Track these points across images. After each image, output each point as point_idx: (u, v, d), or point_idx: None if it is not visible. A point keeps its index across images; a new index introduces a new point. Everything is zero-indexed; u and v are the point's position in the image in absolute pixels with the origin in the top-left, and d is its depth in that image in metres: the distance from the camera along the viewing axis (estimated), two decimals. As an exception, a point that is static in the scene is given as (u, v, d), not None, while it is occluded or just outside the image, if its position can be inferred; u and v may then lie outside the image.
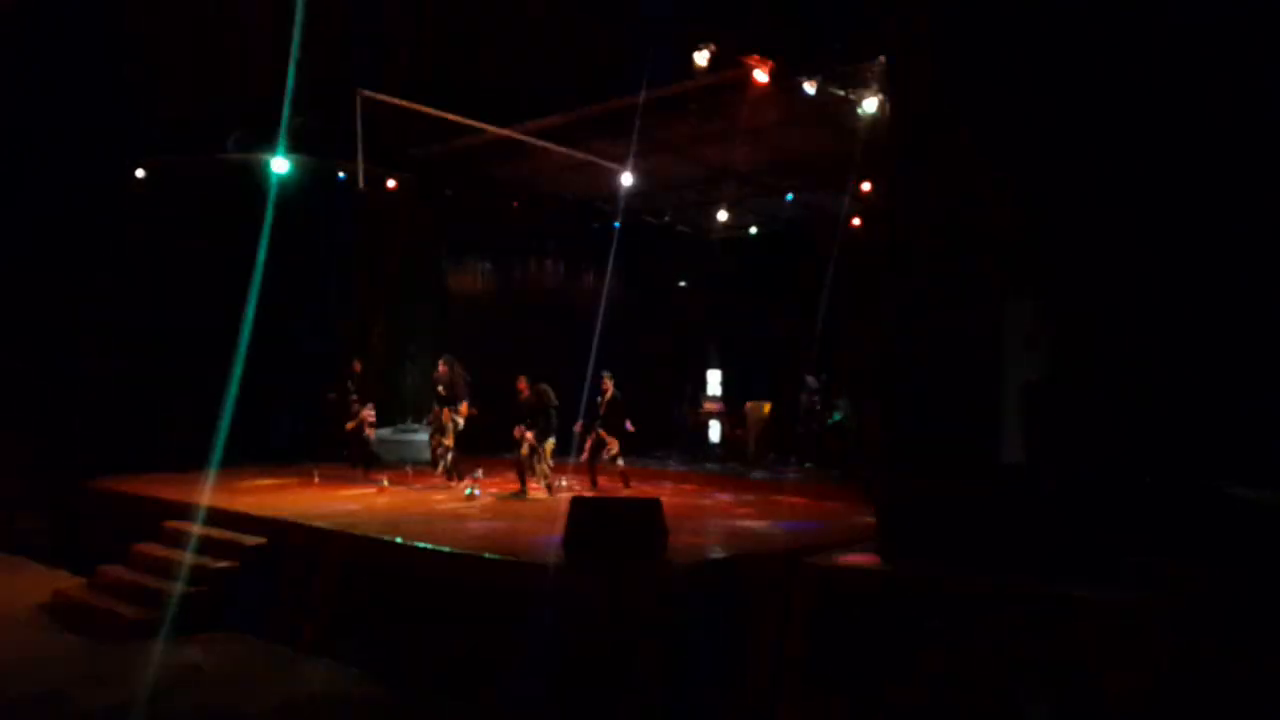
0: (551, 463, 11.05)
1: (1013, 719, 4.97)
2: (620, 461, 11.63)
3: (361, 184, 11.14)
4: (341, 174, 12.62)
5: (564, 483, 11.45)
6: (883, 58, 8.44)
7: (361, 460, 12.19)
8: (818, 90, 9.85)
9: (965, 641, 5.24)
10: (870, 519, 7.57)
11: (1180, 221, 5.66)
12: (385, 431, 13.41)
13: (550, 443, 10.96)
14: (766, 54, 9.26)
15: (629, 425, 11.65)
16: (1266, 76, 5.16)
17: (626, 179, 12.62)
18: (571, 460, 11.93)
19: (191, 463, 10.34)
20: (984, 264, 6.67)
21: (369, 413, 12.26)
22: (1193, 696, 4.32)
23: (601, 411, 11.62)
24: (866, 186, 12.45)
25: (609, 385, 11.72)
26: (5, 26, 9.53)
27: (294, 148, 11.19)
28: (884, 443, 8.83)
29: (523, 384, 11.07)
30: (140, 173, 11.69)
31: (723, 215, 15.73)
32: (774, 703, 5.96)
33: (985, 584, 5.57)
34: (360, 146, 10.52)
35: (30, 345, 11.11)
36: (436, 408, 11.61)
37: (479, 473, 11.85)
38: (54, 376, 11.23)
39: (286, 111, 10.34)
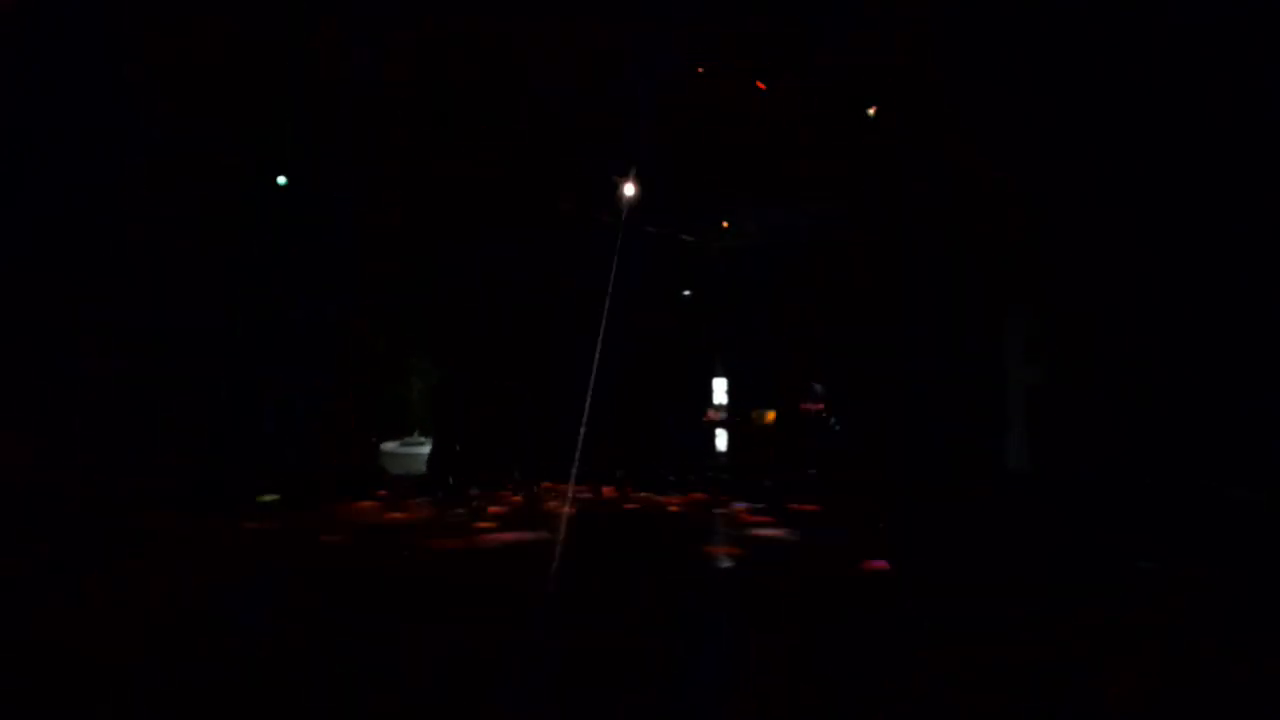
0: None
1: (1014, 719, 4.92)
2: (619, 472, 11.65)
3: (355, 194, 11.16)
4: (340, 185, 12.65)
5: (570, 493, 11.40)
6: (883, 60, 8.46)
7: None
8: (816, 95, 9.88)
9: (965, 642, 5.21)
10: (880, 524, 7.53)
11: (1180, 222, 5.65)
12: (392, 445, 13.43)
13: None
14: (764, 60, 9.31)
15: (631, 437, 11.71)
16: (1266, 76, 5.16)
17: (628, 189, 12.64)
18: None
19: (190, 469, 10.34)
20: (986, 267, 6.67)
21: None
22: (1193, 698, 4.28)
23: (609, 424, 11.68)
24: (867, 193, 12.45)
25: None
26: (5, 27, 9.55)
27: (292, 156, 11.24)
28: (889, 449, 8.82)
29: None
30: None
31: (725, 224, 15.75)
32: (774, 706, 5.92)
33: (988, 585, 5.55)
34: (357, 155, 10.53)
35: (30, 346, 11.10)
36: None
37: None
38: (54, 377, 11.22)
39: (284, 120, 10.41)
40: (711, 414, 16.83)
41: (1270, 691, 4.14)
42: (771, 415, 15.43)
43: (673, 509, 10.76)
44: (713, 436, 16.45)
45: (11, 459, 10.37)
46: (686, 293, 18.26)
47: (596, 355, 13.10)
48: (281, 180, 11.40)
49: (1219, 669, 4.28)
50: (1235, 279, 5.52)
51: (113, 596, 7.36)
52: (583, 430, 11.50)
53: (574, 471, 11.78)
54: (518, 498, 11.01)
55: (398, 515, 9.91)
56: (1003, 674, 4.99)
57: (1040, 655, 4.82)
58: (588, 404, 11.54)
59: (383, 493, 11.43)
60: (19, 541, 10.09)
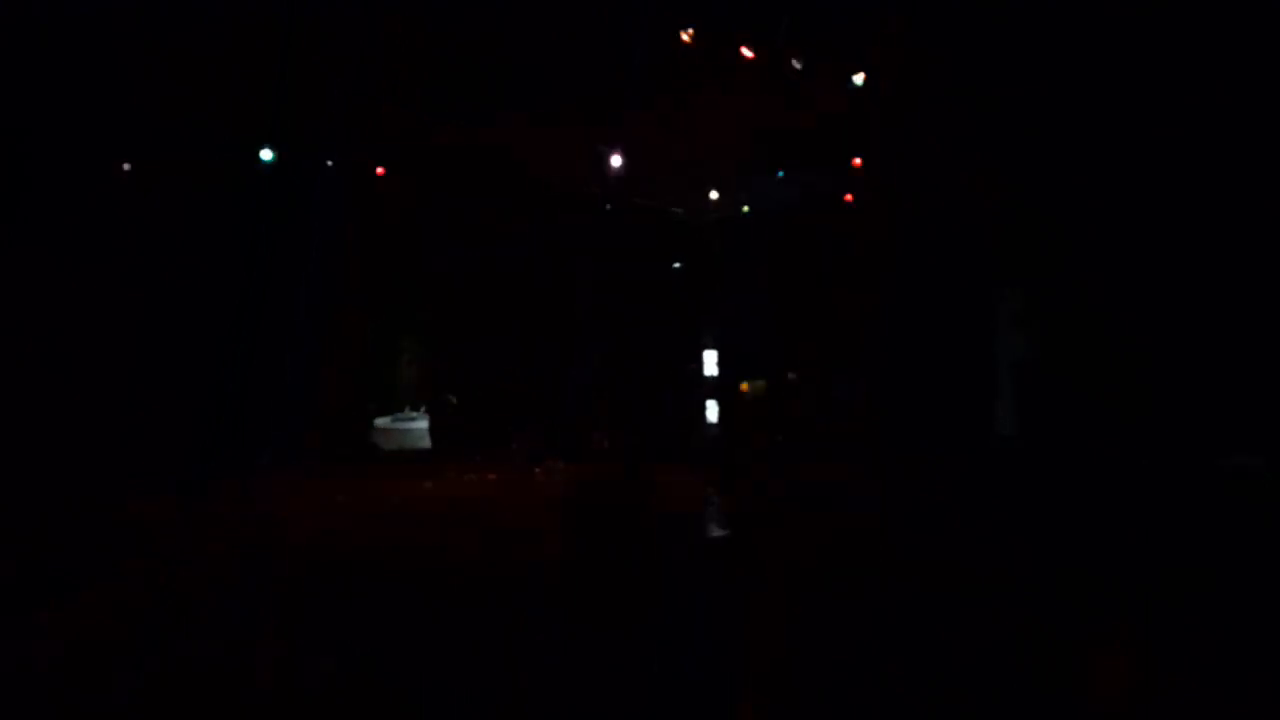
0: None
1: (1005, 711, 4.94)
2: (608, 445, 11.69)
3: (346, 174, 11.08)
4: (329, 163, 12.56)
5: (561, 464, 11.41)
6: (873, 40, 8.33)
7: None
8: (805, 67, 9.77)
9: (964, 640, 5.22)
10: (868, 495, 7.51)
11: (1176, 209, 5.59)
12: (384, 420, 13.44)
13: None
14: (754, 35, 9.18)
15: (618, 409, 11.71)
16: (1258, 62, 5.07)
17: (616, 162, 12.54)
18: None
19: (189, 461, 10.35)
20: (975, 249, 6.63)
21: None
22: (1193, 698, 4.28)
23: (601, 399, 11.68)
24: (857, 162, 12.34)
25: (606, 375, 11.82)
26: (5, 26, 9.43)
27: (281, 138, 11.14)
28: (880, 421, 8.77)
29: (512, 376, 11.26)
30: (126, 165, 11.64)
31: (714, 195, 15.67)
32: (769, 686, 5.95)
33: (982, 571, 5.55)
34: (344, 135, 10.43)
35: (29, 344, 11.06)
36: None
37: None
38: (52, 375, 11.19)
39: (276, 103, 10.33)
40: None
41: (1270, 691, 4.14)
42: (761, 386, 15.45)
43: (669, 479, 10.74)
44: (703, 408, 16.45)
45: (10, 457, 10.37)
46: (677, 265, 18.18)
47: (588, 329, 13.09)
48: (267, 154, 11.29)
49: (1219, 669, 4.28)
50: (1231, 266, 5.46)
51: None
52: (574, 404, 11.50)
53: (564, 446, 11.78)
54: (517, 474, 11.04)
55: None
56: (1002, 672, 5.02)
57: (1040, 653, 4.83)
58: (580, 378, 11.53)
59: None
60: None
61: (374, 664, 5.66)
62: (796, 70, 9.82)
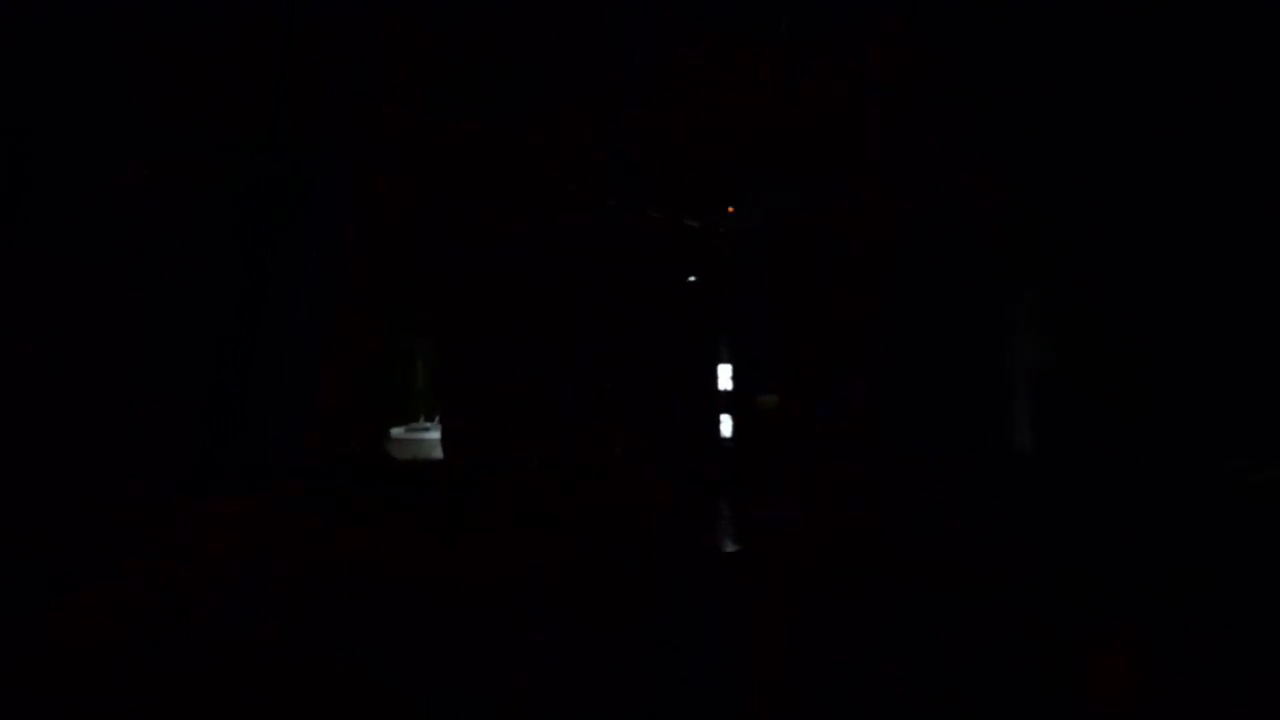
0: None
1: (1005, 711, 4.94)
2: (619, 452, 11.67)
3: (346, 174, 11.07)
4: (329, 163, 12.54)
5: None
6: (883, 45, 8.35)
7: None
8: (819, 76, 9.76)
9: (964, 639, 5.22)
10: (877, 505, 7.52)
11: (1185, 208, 5.59)
12: (399, 430, 13.40)
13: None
14: (754, 35, 9.19)
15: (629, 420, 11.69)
16: (1264, 52, 5.07)
17: (629, 172, 12.50)
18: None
19: (189, 461, 10.33)
20: (976, 249, 6.63)
21: None
22: (1193, 698, 4.28)
23: (606, 408, 11.66)
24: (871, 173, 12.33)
25: (611, 384, 11.79)
26: (5, 26, 9.44)
27: (281, 138, 11.11)
28: (888, 430, 8.77)
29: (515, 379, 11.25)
30: (146, 171, 11.63)
31: (731, 209, 15.65)
32: (769, 686, 5.95)
33: (982, 571, 5.55)
34: (344, 135, 10.41)
35: (29, 344, 11.04)
36: None
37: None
38: (52, 375, 11.17)
39: (278, 103, 10.30)
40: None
41: (1270, 691, 4.14)
42: (778, 400, 15.43)
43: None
44: (717, 422, 16.42)
45: (10, 456, 10.36)
46: (692, 278, 18.17)
47: (588, 330, 13.05)
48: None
49: (1219, 669, 4.28)
50: (1246, 268, 5.46)
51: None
52: (582, 418, 11.46)
53: (574, 460, 11.74)
54: (535, 486, 11.00)
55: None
56: (1002, 672, 5.02)
57: (1040, 653, 4.84)
58: (590, 391, 11.48)
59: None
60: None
61: (373, 664, 5.67)
62: (805, 73, 9.82)
